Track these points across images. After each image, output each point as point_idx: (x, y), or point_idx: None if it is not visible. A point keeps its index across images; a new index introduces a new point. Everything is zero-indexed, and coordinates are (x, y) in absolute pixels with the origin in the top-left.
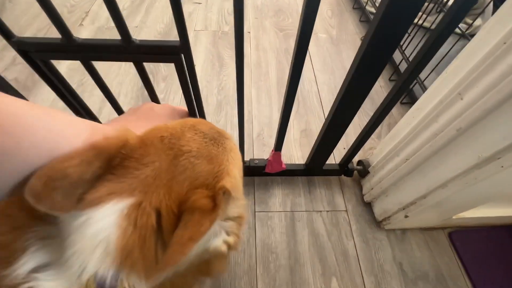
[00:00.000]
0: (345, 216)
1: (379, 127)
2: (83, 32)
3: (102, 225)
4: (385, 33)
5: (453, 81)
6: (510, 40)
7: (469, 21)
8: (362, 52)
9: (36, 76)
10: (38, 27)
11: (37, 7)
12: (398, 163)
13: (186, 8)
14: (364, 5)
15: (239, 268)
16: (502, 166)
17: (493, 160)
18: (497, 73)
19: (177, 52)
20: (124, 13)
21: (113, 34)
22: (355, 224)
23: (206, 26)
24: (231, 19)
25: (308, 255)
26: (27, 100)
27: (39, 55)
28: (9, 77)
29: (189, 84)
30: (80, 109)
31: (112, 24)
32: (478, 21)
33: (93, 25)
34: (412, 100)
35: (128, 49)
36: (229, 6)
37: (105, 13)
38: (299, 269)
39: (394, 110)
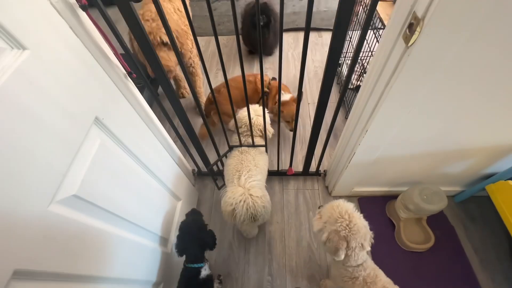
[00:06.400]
0: (317, 191)
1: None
2: None
3: None
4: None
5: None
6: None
7: None
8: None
9: None
10: None
11: None
12: (337, 168)
13: None
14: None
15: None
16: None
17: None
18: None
19: None
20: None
21: None
22: (321, 194)
23: None
24: None
25: (302, 203)
26: None
27: None
28: None
29: None
30: None
31: None
32: None
33: None
34: None
35: None
36: None
37: None
38: (298, 207)
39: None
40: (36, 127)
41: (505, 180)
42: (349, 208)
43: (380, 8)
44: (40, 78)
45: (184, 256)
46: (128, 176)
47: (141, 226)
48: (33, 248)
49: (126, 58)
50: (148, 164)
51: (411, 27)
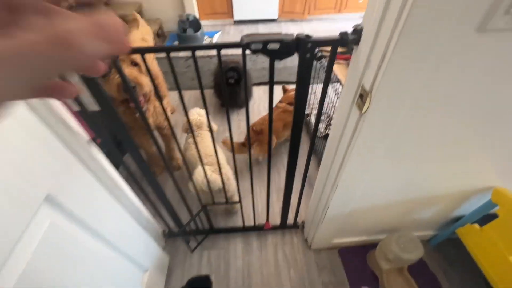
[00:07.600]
0: (297, 244)
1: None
2: None
3: None
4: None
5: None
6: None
7: None
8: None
9: None
10: None
11: None
12: (314, 221)
13: None
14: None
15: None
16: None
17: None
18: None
19: None
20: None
21: None
22: (300, 247)
23: None
24: None
25: (282, 260)
26: None
27: None
28: None
29: None
30: None
31: None
32: None
33: None
34: None
35: None
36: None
37: None
38: (278, 266)
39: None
40: None
41: (471, 224)
42: None
43: (337, 69)
44: None
45: None
46: (83, 255)
47: None
48: None
49: (91, 122)
50: (109, 237)
51: (362, 97)
